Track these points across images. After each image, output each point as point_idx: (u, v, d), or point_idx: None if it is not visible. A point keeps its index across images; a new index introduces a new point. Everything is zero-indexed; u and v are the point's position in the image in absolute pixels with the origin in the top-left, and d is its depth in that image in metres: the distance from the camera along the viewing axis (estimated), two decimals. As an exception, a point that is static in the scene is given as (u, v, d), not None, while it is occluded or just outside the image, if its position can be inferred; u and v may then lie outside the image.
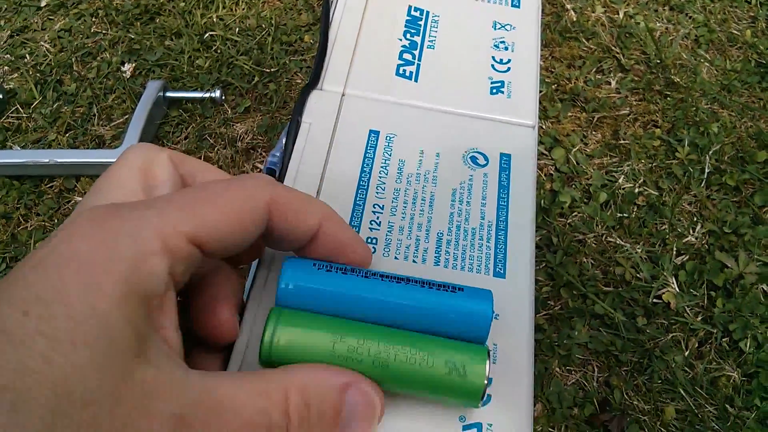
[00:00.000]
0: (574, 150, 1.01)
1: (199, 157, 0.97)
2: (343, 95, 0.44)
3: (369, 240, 0.36)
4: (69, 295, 0.23)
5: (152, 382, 0.24)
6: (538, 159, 0.97)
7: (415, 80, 0.45)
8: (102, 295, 0.23)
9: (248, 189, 0.28)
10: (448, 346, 0.30)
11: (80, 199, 0.97)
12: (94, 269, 0.23)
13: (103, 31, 1.18)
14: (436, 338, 0.30)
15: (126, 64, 1.12)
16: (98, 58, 1.14)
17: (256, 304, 0.34)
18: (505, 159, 0.42)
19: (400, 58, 0.46)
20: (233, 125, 1.04)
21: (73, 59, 1.13)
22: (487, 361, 0.29)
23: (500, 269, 0.36)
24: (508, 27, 0.50)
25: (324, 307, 0.30)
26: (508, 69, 0.47)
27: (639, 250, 0.91)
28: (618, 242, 0.92)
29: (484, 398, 0.30)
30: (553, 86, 1.09)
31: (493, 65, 0.47)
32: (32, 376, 0.21)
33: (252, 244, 0.32)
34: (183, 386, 0.25)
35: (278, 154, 0.41)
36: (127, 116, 1.04)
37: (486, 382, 0.29)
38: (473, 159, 0.41)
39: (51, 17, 1.21)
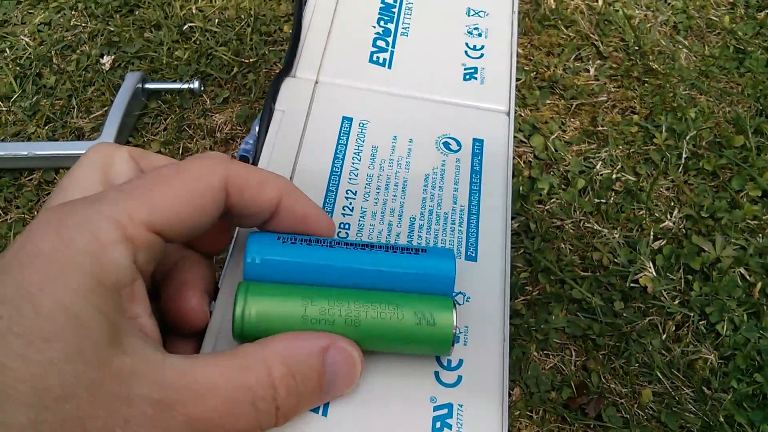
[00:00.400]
0: (553, 137, 1.01)
1: (178, 149, 0.97)
2: (316, 82, 0.44)
3: (342, 225, 0.37)
4: (35, 293, 0.23)
5: (130, 369, 0.24)
6: (516, 146, 0.98)
7: (389, 67, 0.46)
8: (67, 290, 0.23)
9: (202, 168, 0.28)
10: (415, 300, 0.31)
11: (59, 191, 0.96)
12: (57, 265, 0.24)
13: (83, 24, 1.17)
14: (404, 294, 0.31)
15: (105, 57, 1.11)
16: (77, 51, 1.13)
17: (229, 287, 0.34)
18: (478, 144, 0.42)
19: (374, 45, 0.47)
20: (212, 116, 1.04)
21: (53, 52, 1.13)
22: (454, 309, 0.30)
23: (472, 253, 0.37)
24: (482, 14, 0.50)
25: (292, 279, 0.31)
26: (482, 55, 0.47)
27: (616, 235, 0.92)
28: (595, 228, 0.93)
29: (455, 346, 0.31)
30: (531, 74, 1.10)
31: (466, 51, 0.47)
32: (11, 375, 0.22)
33: (219, 230, 0.32)
34: (161, 370, 0.25)
35: (251, 142, 0.42)
36: (106, 108, 1.04)
37: (455, 329, 0.30)
38: (446, 144, 0.41)
39: (31, 11, 1.20)
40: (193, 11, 1.18)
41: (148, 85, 1.04)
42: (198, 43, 1.13)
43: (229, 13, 1.17)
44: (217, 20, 1.16)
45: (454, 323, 0.30)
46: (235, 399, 0.26)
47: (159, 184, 0.27)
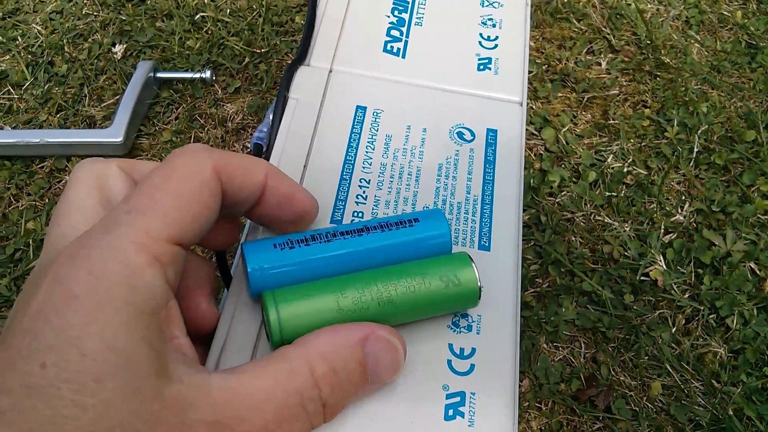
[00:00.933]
0: (564, 130, 1.01)
1: (189, 137, 0.97)
2: (330, 71, 0.44)
3: (355, 213, 0.37)
4: (78, 336, 0.23)
5: (181, 397, 0.24)
6: (527, 139, 0.98)
7: (403, 57, 0.46)
8: (109, 326, 0.23)
9: (191, 164, 0.28)
10: (435, 264, 0.31)
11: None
12: (94, 303, 0.23)
13: (95, 13, 1.17)
14: (421, 262, 0.31)
15: (117, 46, 1.12)
16: (89, 40, 1.14)
17: (236, 292, 0.34)
18: (492, 134, 0.42)
19: (388, 34, 0.47)
20: (223, 105, 1.04)
21: (65, 41, 1.13)
22: (473, 264, 0.31)
23: (485, 242, 0.37)
24: (495, 4, 0.50)
25: (299, 280, 0.31)
26: (496, 46, 0.47)
27: (627, 229, 0.92)
28: (606, 221, 0.93)
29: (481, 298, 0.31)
30: (543, 67, 1.10)
31: (480, 42, 0.47)
32: (70, 424, 0.22)
33: (225, 222, 0.32)
34: (210, 392, 0.25)
35: (265, 130, 0.42)
36: (117, 97, 1.04)
37: (479, 282, 0.31)
38: (460, 134, 0.41)
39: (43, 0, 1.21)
40: (205, 1, 1.18)
41: (159, 75, 1.05)
42: (210, 33, 1.13)
43: (240, 3, 1.18)
44: (228, 10, 1.17)
45: (477, 276, 0.31)
46: (287, 405, 0.26)
47: (159, 192, 0.27)
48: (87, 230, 0.26)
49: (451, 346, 0.33)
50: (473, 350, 0.33)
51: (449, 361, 0.32)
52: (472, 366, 0.32)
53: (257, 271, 0.30)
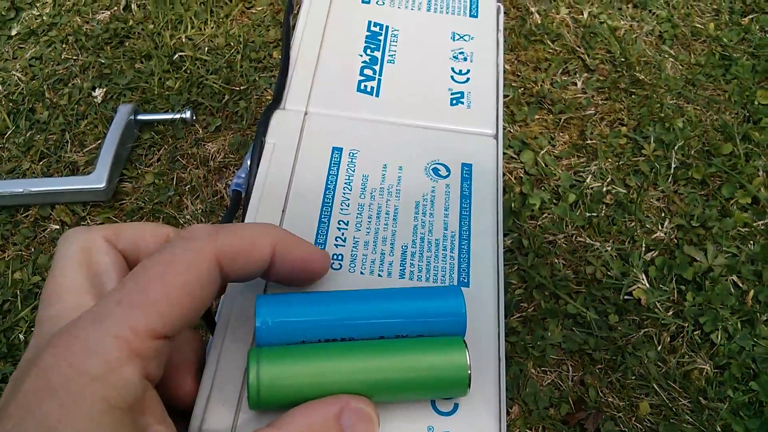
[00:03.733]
0: (542, 152, 1.02)
1: (172, 179, 0.98)
2: (305, 114, 0.44)
3: (335, 256, 0.37)
4: (54, 427, 0.23)
5: None
6: (506, 163, 0.99)
7: (377, 95, 0.46)
8: (83, 419, 0.24)
9: (190, 254, 0.28)
10: (427, 348, 0.31)
11: (56, 227, 0.97)
12: (71, 396, 0.24)
13: (74, 57, 1.18)
14: (415, 341, 0.31)
15: (97, 89, 1.12)
16: (69, 85, 1.14)
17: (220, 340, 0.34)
18: (467, 169, 0.42)
19: (361, 73, 0.47)
20: (205, 145, 1.04)
21: (45, 87, 1.14)
22: (466, 350, 0.30)
23: (464, 278, 0.37)
24: (466, 37, 0.50)
25: (301, 338, 0.31)
26: (468, 80, 0.48)
27: (609, 248, 0.93)
28: (588, 241, 0.93)
29: (471, 386, 0.31)
30: (519, 90, 1.10)
31: (452, 76, 0.48)
32: None
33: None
34: None
35: (243, 176, 0.42)
36: (99, 141, 1.05)
37: (469, 370, 0.30)
38: (435, 170, 0.42)
39: (22, 46, 1.21)
40: (183, 40, 1.19)
41: (140, 117, 1.05)
42: (189, 72, 1.14)
43: (218, 41, 1.18)
44: (207, 48, 1.17)
45: (468, 363, 0.30)
46: None
47: (153, 285, 0.27)
48: (76, 319, 0.26)
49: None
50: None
51: (433, 402, 0.32)
52: (456, 405, 0.32)
53: (265, 324, 0.31)
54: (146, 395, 0.27)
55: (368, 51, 0.49)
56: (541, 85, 1.11)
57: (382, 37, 0.50)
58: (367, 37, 0.50)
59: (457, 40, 0.50)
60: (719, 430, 0.79)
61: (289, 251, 0.31)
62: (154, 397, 0.28)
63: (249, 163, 0.42)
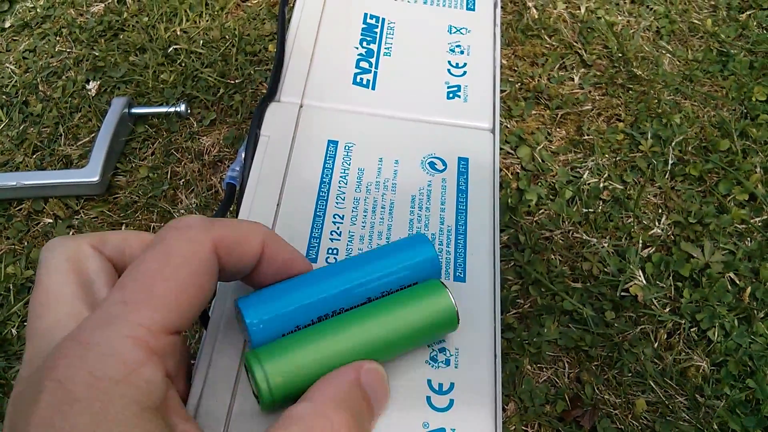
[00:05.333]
0: (539, 148, 1.02)
1: (166, 173, 0.97)
2: (300, 106, 0.44)
3: (330, 250, 0.37)
4: None
5: None
6: (503, 158, 0.98)
7: (373, 88, 0.46)
8: (116, 426, 0.23)
9: (188, 244, 0.27)
10: (413, 299, 0.32)
11: (49, 221, 0.97)
12: (98, 404, 0.23)
13: (68, 50, 1.17)
14: (399, 295, 0.32)
15: (91, 82, 1.12)
16: (63, 78, 1.14)
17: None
18: (463, 163, 0.42)
19: (357, 66, 0.47)
20: (199, 138, 1.04)
21: (39, 79, 1.13)
22: (447, 290, 0.32)
23: (460, 273, 0.37)
24: (463, 30, 0.50)
25: (293, 325, 0.31)
26: (464, 73, 0.47)
27: (605, 245, 0.92)
28: (584, 237, 0.93)
29: (460, 321, 0.32)
30: (516, 85, 1.10)
31: (449, 70, 0.47)
32: None
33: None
34: None
35: (237, 169, 0.42)
36: (93, 134, 1.04)
37: (455, 306, 0.31)
38: (431, 165, 0.42)
39: (15, 38, 1.21)
40: (178, 33, 1.18)
41: (134, 110, 1.05)
42: (183, 65, 1.13)
43: (213, 34, 1.18)
44: (201, 41, 1.17)
45: (453, 301, 0.31)
46: None
47: (155, 280, 0.26)
48: (80, 326, 0.25)
49: (429, 381, 0.33)
50: (452, 385, 0.32)
51: (428, 398, 0.32)
52: (452, 401, 0.32)
53: (255, 325, 0.30)
54: (169, 394, 0.26)
55: (364, 43, 0.49)
56: (538, 80, 1.11)
57: (378, 30, 0.50)
58: (363, 29, 0.49)
59: (454, 33, 0.50)
60: (716, 427, 0.79)
61: (277, 250, 0.31)
62: (176, 395, 0.27)
63: (243, 156, 0.41)
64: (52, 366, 0.24)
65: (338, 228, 0.38)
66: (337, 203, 0.39)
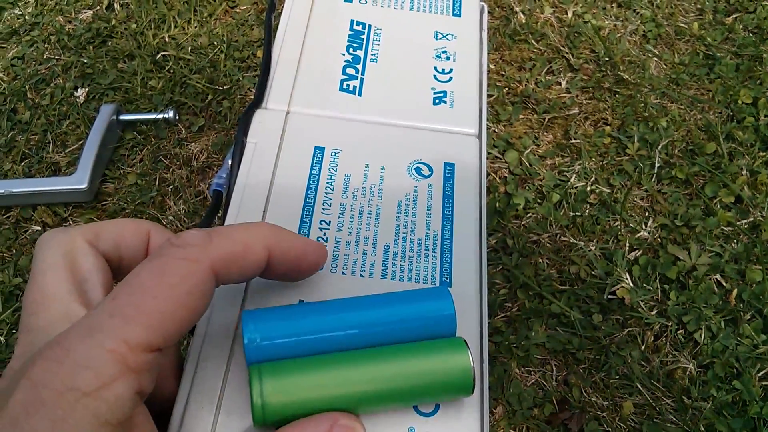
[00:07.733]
0: (527, 152, 1.02)
1: (155, 180, 0.97)
2: (287, 113, 0.44)
3: (316, 256, 0.37)
4: None
5: None
6: (491, 162, 0.99)
7: (359, 94, 0.46)
8: None
9: (184, 265, 0.27)
10: (428, 351, 0.31)
11: (38, 228, 0.97)
12: (61, 412, 0.23)
13: (56, 57, 1.17)
14: (416, 345, 0.31)
15: (79, 89, 1.12)
16: (52, 85, 1.13)
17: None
18: (449, 168, 0.42)
19: (344, 72, 0.47)
20: (188, 145, 1.04)
21: (27, 87, 1.13)
22: (468, 350, 0.30)
23: (446, 278, 0.37)
24: (449, 36, 0.50)
25: (293, 354, 0.31)
26: (450, 79, 0.48)
27: (593, 248, 0.93)
28: (572, 241, 0.93)
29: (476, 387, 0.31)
30: (504, 89, 1.10)
31: (435, 75, 0.48)
32: None
33: None
34: None
35: (224, 176, 0.42)
36: (81, 142, 1.04)
37: (473, 370, 0.30)
38: (418, 170, 0.42)
39: (3, 45, 1.20)
40: (166, 39, 1.18)
41: (123, 117, 1.05)
42: (172, 71, 1.13)
43: (201, 41, 1.18)
44: (190, 48, 1.17)
45: (471, 364, 0.30)
46: None
47: (145, 295, 0.26)
48: (67, 330, 0.26)
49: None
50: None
51: (414, 406, 0.32)
52: (437, 407, 0.32)
53: (253, 342, 0.30)
54: (136, 411, 0.26)
55: (351, 50, 0.49)
56: (525, 84, 1.11)
57: (364, 36, 0.50)
58: (349, 36, 0.49)
59: (440, 39, 0.50)
60: (703, 429, 0.79)
61: (284, 251, 0.30)
62: (144, 412, 0.27)
63: (230, 162, 0.41)
64: (32, 366, 0.25)
65: (325, 234, 0.38)
66: (323, 209, 0.39)
